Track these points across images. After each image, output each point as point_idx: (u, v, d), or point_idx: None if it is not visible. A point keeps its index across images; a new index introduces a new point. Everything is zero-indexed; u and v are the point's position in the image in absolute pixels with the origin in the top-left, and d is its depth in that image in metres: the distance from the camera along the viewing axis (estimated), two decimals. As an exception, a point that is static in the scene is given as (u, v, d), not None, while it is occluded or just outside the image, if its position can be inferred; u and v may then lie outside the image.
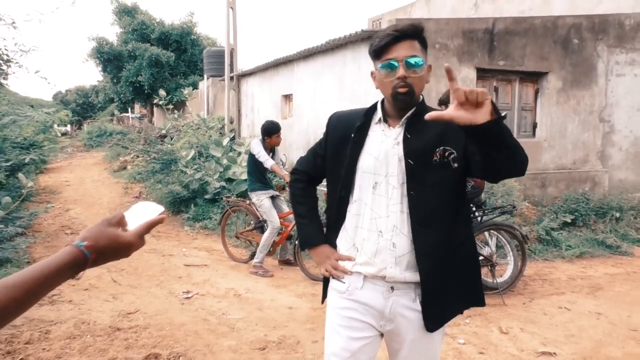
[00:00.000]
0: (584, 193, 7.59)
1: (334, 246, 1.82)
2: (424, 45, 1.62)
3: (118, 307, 4.40)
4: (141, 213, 1.09)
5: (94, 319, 4.10)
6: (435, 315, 1.67)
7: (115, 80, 23.89)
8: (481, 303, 1.79)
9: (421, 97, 1.65)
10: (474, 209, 4.87)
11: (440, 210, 1.63)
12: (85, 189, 11.89)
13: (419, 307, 1.66)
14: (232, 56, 12.94)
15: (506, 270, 5.07)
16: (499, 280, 4.91)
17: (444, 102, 4.92)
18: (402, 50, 1.55)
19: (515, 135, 7.82)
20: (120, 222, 1.03)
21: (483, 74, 7.51)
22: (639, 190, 8.43)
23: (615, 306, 4.63)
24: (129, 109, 33.50)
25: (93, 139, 25.17)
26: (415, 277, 1.63)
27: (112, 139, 20.22)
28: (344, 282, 1.73)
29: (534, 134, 8.13)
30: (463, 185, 1.69)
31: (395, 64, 1.55)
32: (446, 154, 1.58)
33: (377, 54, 1.61)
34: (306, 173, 1.97)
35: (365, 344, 1.70)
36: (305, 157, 1.98)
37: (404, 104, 1.60)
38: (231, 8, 12.65)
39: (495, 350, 3.69)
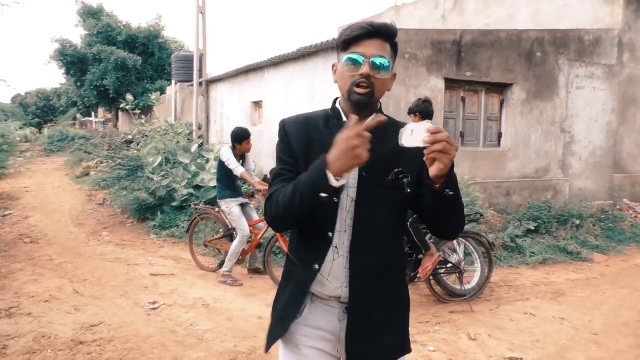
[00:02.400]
0: (547, 201, 7.81)
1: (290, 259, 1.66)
2: (394, 50, 1.52)
3: (81, 319, 4.26)
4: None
5: (55, 332, 3.95)
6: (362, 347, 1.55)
7: (79, 84, 23.31)
8: (408, 349, 1.65)
9: (379, 104, 1.56)
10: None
11: (384, 231, 1.55)
12: (45, 195, 11.51)
13: None
14: (201, 61, 12.80)
15: (474, 277, 5.16)
16: (467, 287, 4.99)
17: (413, 111, 4.98)
18: (372, 48, 1.45)
19: (480, 144, 8.04)
20: None
21: (451, 84, 7.65)
22: (597, 198, 8.73)
23: (577, 311, 4.76)
24: (93, 114, 32.74)
25: (54, 143, 24.44)
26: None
27: (75, 143, 19.64)
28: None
29: (499, 144, 8.33)
30: (405, 212, 1.60)
31: (361, 59, 1.45)
32: (400, 176, 1.49)
33: (345, 45, 1.49)
34: (292, 172, 1.59)
35: None
36: (278, 171, 1.64)
37: (360, 104, 1.47)
38: (201, 13, 12.54)
39: (464, 357, 3.73)
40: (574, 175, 8.82)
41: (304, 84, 8.67)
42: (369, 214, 1.51)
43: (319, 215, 1.51)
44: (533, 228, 7.18)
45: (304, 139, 1.57)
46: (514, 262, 6.38)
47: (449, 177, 1.34)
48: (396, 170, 1.49)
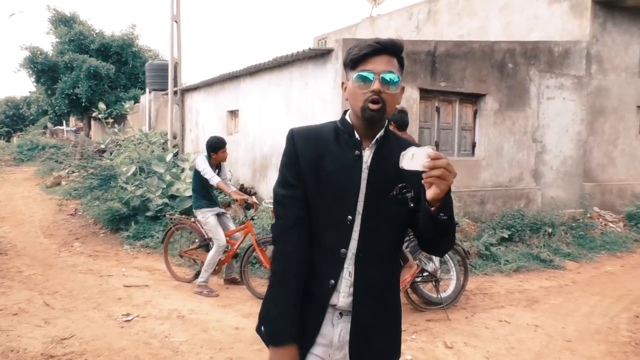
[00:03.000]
0: (520, 210, 7.94)
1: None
2: (401, 64, 1.57)
3: (51, 332, 4.14)
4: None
5: (24, 346, 3.83)
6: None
7: (49, 92, 22.81)
8: (399, 354, 1.71)
9: (387, 120, 1.61)
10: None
11: (387, 245, 1.60)
12: (14, 205, 11.22)
13: None
14: (176, 70, 12.70)
15: (449, 286, 5.20)
16: (443, 295, 5.02)
17: (389, 121, 5.02)
18: (380, 65, 1.50)
19: (455, 154, 8.15)
20: None
21: (425, 94, 7.76)
22: (568, 206, 8.93)
23: (550, 318, 4.84)
24: (64, 122, 32.09)
25: (24, 152, 23.88)
26: None
27: (45, 152, 19.22)
28: None
29: (473, 153, 8.46)
30: (407, 226, 1.63)
31: (371, 76, 1.49)
32: (404, 191, 1.54)
33: (354, 63, 1.53)
34: (296, 198, 1.58)
35: None
36: (281, 195, 1.60)
37: (373, 120, 1.52)
38: (175, 21, 12.46)
39: (441, 366, 3.75)
40: (545, 183, 9.01)
41: (280, 93, 8.67)
42: (373, 228, 1.56)
43: (333, 233, 1.56)
44: (507, 236, 7.29)
45: (313, 154, 1.57)
46: (489, 270, 6.46)
47: (445, 202, 1.38)
48: (400, 185, 1.54)
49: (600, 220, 8.87)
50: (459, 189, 7.84)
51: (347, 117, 1.62)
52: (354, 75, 1.52)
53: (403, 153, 1.35)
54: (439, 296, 4.95)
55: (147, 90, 16.82)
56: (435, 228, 1.44)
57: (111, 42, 22.66)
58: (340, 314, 1.59)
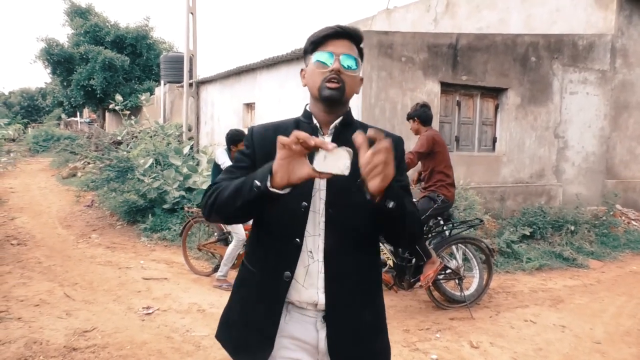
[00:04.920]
0: (541, 207, 7.80)
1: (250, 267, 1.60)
2: (361, 55, 1.55)
3: (73, 324, 4.11)
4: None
5: (46, 338, 3.81)
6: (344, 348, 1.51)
7: (65, 84, 22.97)
8: (388, 354, 1.62)
9: (348, 107, 1.56)
10: (441, 222, 4.89)
11: (357, 235, 1.50)
12: (31, 196, 11.28)
13: None
14: (191, 62, 12.65)
15: (472, 283, 5.11)
16: (466, 293, 4.93)
17: (412, 116, 4.93)
18: (341, 47, 1.48)
19: (475, 149, 8.00)
20: None
21: (446, 88, 7.62)
22: (590, 204, 8.76)
23: (577, 319, 4.72)
24: (78, 114, 32.31)
25: (39, 143, 24.09)
26: None
27: (60, 144, 19.34)
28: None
29: (493, 149, 8.32)
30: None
31: (331, 57, 1.46)
32: None
33: (314, 46, 1.50)
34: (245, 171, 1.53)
35: None
36: (229, 172, 1.56)
37: (331, 100, 1.47)
38: (191, 13, 12.40)
39: (467, 366, 3.67)
40: (567, 180, 8.85)
41: (297, 85, 8.57)
42: (340, 218, 1.48)
43: (286, 221, 1.48)
44: (528, 233, 7.15)
45: (271, 145, 1.40)
46: (510, 268, 6.34)
47: (388, 189, 1.26)
48: None
49: (623, 218, 8.69)
50: (479, 185, 7.72)
51: (307, 107, 1.60)
52: (313, 57, 1.50)
53: (316, 153, 1.22)
54: (462, 294, 4.85)
55: (162, 82, 16.81)
56: (387, 218, 1.34)
57: (126, 34, 22.71)
58: (324, 317, 1.50)
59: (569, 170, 8.88)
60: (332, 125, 1.53)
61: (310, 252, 1.48)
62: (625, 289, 5.77)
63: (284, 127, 1.55)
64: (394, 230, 1.45)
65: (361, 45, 1.55)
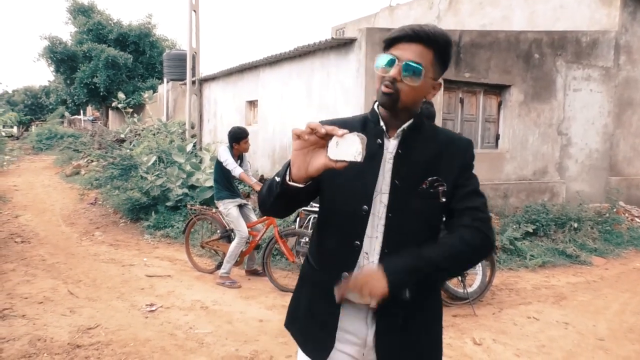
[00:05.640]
0: (544, 204, 7.78)
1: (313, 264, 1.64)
2: (440, 59, 1.45)
3: (77, 321, 4.13)
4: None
5: (50, 335, 3.83)
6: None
7: (68, 82, 23.03)
8: None
9: (419, 109, 1.52)
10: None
11: (416, 240, 1.48)
12: (35, 194, 11.32)
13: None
14: (194, 60, 12.66)
15: (475, 280, 5.10)
16: (469, 290, 4.92)
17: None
18: (408, 52, 1.40)
19: (478, 146, 7.99)
20: None
21: (449, 85, 7.60)
22: (593, 201, 8.74)
23: (580, 315, 4.72)
24: (81, 112, 32.36)
25: (42, 141, 24.15)
26: None
27: (63, 142, 19.41)
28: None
29: (496, 145, 8.30)
30: (440, 223, 1.55)
31: (393, 61, 1.40)
32: (435, 184, 1.46)
33: (386, 46, 1.46)
34: None
35: None
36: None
37: (383, 106, 1.46)
38: (194, 11, 12.39)
39: (470, 363, 3.67)
40: (570, 177, 8.82)
41: (300, 83, 8.57)
42: (400, 222, 1.47)
43: (347, 223, 1.50)
44: (531, 230, 7.14)
45: None
46: (514, 265, 6.33)
47: (393, 288, 1.39)
48: (430, 178, 1.46)
49: (627, 215, 8.67)
50: (482, 182, 7.66)
51: (375, 106, 1.55)
52: (377, 58, 1.45)
53: (329, 141, 1.23)
54: (465, 291, 4.85)
55: (165, 80, 16.84)
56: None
57: (129, 31, 22.75)
58: (375, 313, 1.51)
59: (572, 167, 8.85)
60: (399, 130, 1.49)
61: (367, 253, 1.49)
62: (629, 285, 5.76)
63: (352, 125, 1.50)
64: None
65: (445, 48, 1.45)
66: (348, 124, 1.49)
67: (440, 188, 1.46)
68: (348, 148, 1.20)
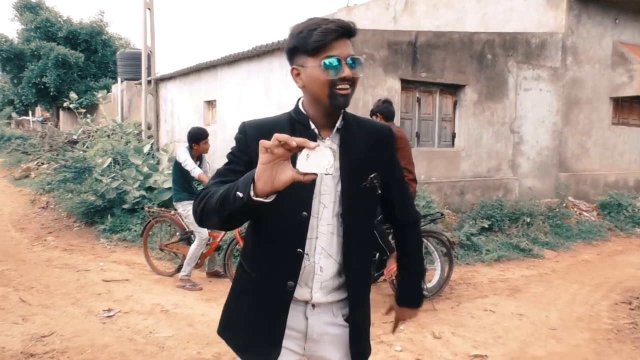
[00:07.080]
0: (499, 200, 8.04)
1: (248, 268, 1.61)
2: None
3: (30, 329, 3.98)
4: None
5: (2, 344, 3.68)
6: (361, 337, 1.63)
7: (15, 81, 22.05)
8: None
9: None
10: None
11: (366, 235, 1.60)
12: (-19, 199, 10.81)
13: (343, 323, 1.58)
14: (149, 59, 12.38)
15: (434, 276, 5.21)
16: (428, 285, 5.04)
17: (375, 112, 4.98)
18: (344, 48, 1.39)
19: (435, 144, 8.17)
20: None
21: (406, 84, 7.74)
22: (544, 196, 9.09)
23: (533, 307, 4.91)
24: (30, 112, 31.08)
25: (-12, 144, 23.05)
26: (336, 297, 1.55)
27: (11, 144, 18.61)
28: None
29: (453, 144, 8.51)
30: (376, 212, 1.65)
31: (339, 62, 1.38)
32: (375, 181, 1.52)
33: (316, 49, 1.38)
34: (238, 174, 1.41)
35: None
36: (221, 175, 1.48)
37: (342, 107, 1.44)
38: (148, 9, 12.13)
39: (430, 356, 3.76)
40: (522, 174, 9.15)
41: (259, 82, 8.54)
42: (354, 221, 1.51)
43: (287, 231, 1.48)
44: (487, 226, 7.36)
45: None
46: (471, 260, 6.52)
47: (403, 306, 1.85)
48: (371, 175, 1.51)
49: (575, 209, 9.06)
50: (439, 180, 7.89)
51: (300, 106, 1.52)
52: (318, 62, 1.39)
53: (298, 153, 1.15)
54: (425, 287, 4.95)
55: (119, 79, 16.38)
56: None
57: (80, 29, 21.97)
58: (313, 305, 1.54)
59: (524, 164, 9.18)
60: (334, 130, 1.49)
61: (307, 254, 1.49)
62: (578, 277, 6.02)
63: (280, 126, 1.46)
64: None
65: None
66: (277, 125, 1.48)
67: (376, 182, 1.53)
68: (320, 160, 1.14)
